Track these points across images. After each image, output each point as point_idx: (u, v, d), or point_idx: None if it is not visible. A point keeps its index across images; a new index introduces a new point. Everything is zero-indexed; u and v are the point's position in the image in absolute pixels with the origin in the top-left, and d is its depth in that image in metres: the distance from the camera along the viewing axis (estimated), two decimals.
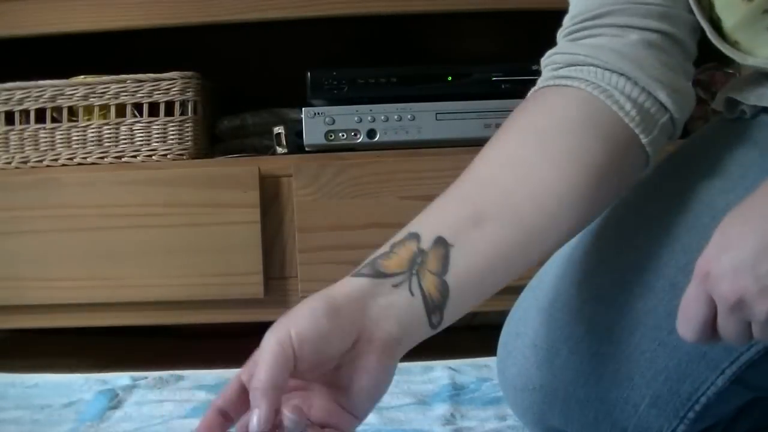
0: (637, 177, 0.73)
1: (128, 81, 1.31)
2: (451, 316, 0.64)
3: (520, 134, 0.71)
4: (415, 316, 0.62)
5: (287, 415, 0.58)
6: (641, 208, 0.76)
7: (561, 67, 0.72)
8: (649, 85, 0.69)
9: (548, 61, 0.74)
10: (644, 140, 0.69)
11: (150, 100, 1.31)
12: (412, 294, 0.63)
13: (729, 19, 0.69)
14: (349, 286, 0.63)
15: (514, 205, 0.66)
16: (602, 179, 0.68)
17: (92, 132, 1.31)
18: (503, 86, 1.33)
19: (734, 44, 0.70)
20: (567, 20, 0.74)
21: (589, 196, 0.68)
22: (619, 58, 0.69)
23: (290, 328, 0.59)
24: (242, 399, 0.60)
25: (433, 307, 0.63)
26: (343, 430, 0.61)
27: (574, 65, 0.71)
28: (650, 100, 0.69)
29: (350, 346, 0.61)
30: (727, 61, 0.75)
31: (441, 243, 0.64)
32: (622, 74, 0.69)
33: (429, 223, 0.66)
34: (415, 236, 0.65)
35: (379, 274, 0.63)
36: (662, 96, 0.69)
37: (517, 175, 0.68)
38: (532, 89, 0.75)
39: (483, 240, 0.65)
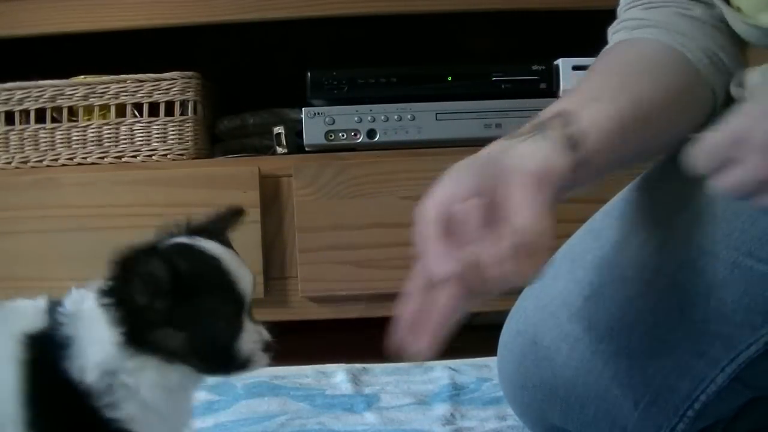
0: (705, 117, 0.74)
1: (128, 81, 1.31)
2: (596, 148, 0.64)
3: (602, 62, 0.76)
4: (547, 148, 0.63)
5: None
6: (642, 206, 0.76)
7: (634, 29, 0.76)
8: (708, 48, 0.74)
9: (620, 26, 0.78)
10: (709, 77, 0.73)
11: (150, 100, 1.31)
12: (542, 138, 0.63)
13: None
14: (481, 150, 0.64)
15: (628, 88, 0.70)
16: (682, 97, 0.72)
17: (92, 132, 1.31)
18: (503, 86, 1.33)
19: (737, 11, 0.71)
20: None
21: (673, 108, 0.72)
22: (682, 24, 0.75)
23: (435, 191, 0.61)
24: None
25: (565, 138, 0.63)
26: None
27: (644, 28, 0.76)
28: (710, 53, 0.74)
29: (490, 195, 0.60)
30: None
31: (562, 111, 0.66)
32: (685, 35, 0.74)
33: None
34: (537, 116, 0.67)
35: (507, 137, 0.65)
36: (721, 55, 0.74)
37: (618, 80, 0.72)
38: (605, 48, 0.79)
39: (606, 98, 0.68)
